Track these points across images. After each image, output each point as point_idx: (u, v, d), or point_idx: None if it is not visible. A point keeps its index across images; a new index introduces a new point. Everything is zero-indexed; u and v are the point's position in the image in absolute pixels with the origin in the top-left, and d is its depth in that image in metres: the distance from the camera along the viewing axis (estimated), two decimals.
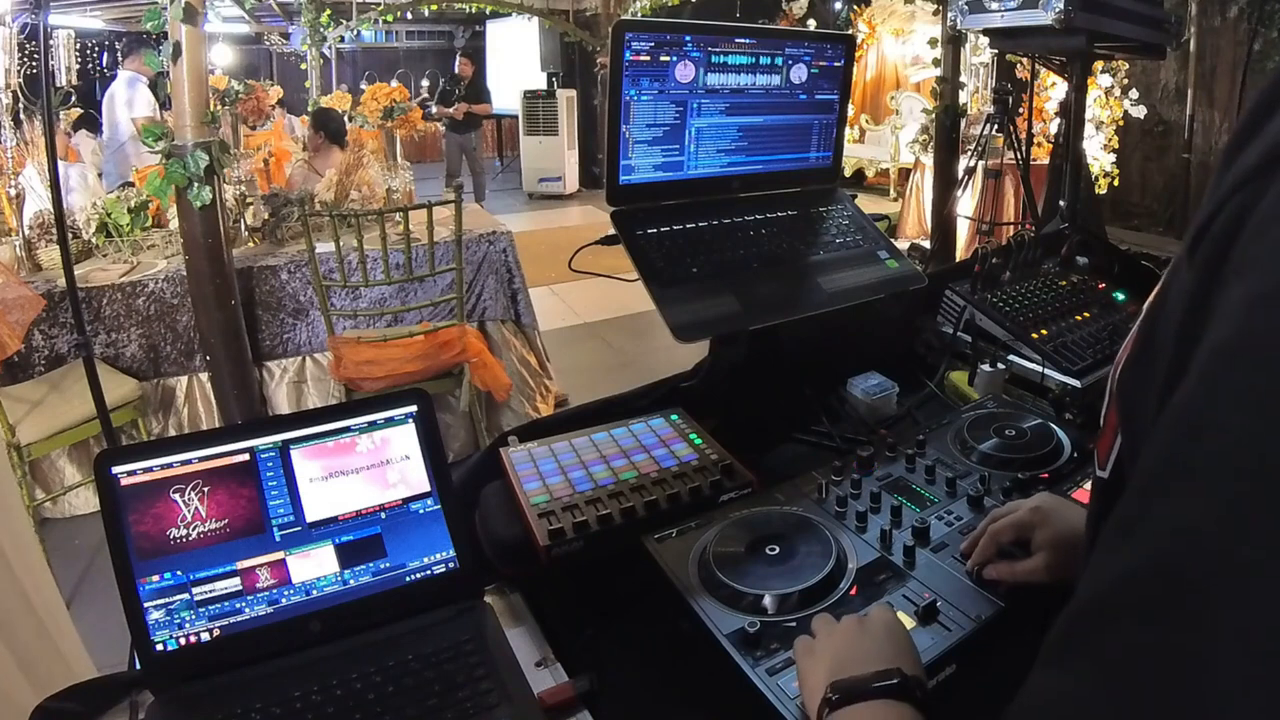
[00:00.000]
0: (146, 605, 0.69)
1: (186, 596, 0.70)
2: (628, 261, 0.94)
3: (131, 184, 3.20)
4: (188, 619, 0.70)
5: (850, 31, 6.31)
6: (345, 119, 4.45)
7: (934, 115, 5.08)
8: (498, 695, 0.68)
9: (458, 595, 0.78)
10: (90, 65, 9.40)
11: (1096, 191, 5.22)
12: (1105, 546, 0.32)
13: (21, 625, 1.16)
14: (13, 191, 2.64)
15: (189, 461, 0.72)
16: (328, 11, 7.18)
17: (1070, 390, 1.17)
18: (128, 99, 4.30)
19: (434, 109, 7.01)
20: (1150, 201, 5.92)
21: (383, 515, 0.77)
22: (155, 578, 0.69)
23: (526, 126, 8.44)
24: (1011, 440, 0.98)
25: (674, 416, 1.05)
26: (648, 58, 0.93)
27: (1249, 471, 0.26)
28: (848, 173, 7.86)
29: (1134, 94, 5.35)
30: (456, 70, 7.34)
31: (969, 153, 4.08)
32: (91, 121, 5.62)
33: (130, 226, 2.85)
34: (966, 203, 4.55)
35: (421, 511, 0.78)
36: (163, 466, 0.71)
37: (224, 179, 2.54)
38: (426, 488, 0.79)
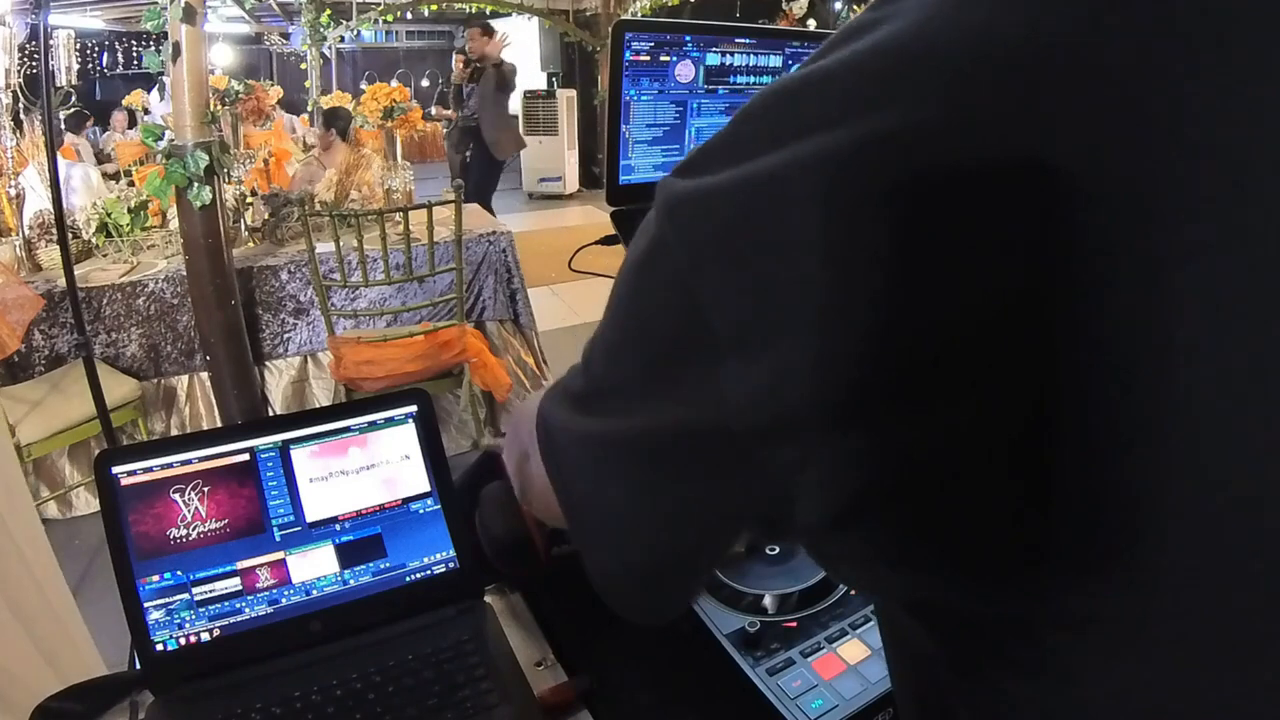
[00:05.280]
0: (146, 605, 0.69)
1: (186, 596, 0.70)
2: None
3: None
4: (188, 619, 0.70)
5: None
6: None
7: None
8: (498, 695, 0.68)
9: (458, 595, 0.78)
10: (90, 65, 9.42)
11: None
12: None
13: (42, 619, 1.16)
14: (13, 191, 2.64)
15: (189, 461, 0.72)
16: (328, 11, 7.18)
17: None
18: None
19: (433, 111, 6.89)
20: None
21: (383, 515, 0.77)
22: (155, 578, 0.69)
23: (526, 126, 8.42)
24: None
25: None
26: (648, 57, 0.93)
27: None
28: None
29: None
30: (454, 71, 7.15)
31: None
32: (81, 120, 5.73)
33: (130, 226, 2.85)
34: None
35: (421, 511, 0.78)
36: (163, 466, 0.71)
37: (225, 179, 2.54)
38: (426, 488, 0.79)
